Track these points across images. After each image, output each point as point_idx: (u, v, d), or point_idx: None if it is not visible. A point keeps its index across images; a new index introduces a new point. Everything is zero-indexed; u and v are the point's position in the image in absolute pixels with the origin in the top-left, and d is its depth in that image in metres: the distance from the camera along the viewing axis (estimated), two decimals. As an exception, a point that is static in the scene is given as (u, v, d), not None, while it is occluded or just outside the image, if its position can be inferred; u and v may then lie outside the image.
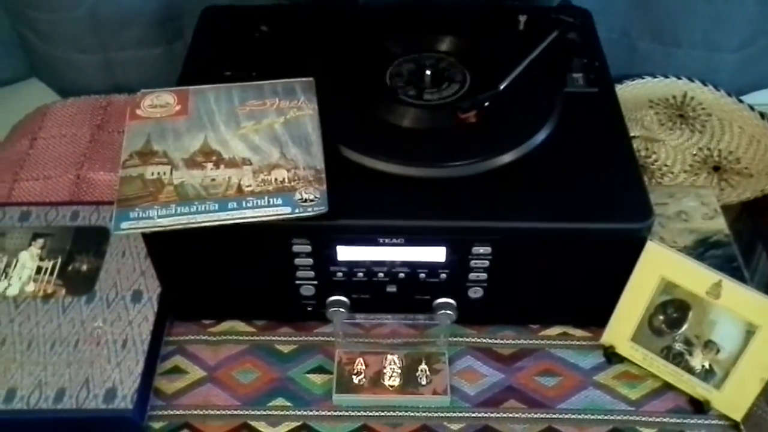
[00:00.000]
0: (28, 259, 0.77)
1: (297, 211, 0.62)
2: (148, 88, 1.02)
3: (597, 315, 0.72)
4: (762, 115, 0.96)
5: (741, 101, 0.98)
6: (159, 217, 0.61)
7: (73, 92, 1.03)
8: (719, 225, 0.79)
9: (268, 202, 0.62)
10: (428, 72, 0.75)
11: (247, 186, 0.63)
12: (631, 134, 0.94)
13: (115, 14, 0.96)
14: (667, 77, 1.00)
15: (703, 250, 0.77)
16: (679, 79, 1.00)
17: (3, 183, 0.89)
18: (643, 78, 1.01)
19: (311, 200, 0.63)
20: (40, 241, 0.78)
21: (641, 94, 1.00)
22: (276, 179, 0.64)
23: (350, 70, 0.77)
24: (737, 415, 0.66)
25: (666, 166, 0.91)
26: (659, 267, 0.66)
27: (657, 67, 1.00)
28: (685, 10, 0.94)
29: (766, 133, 0.94)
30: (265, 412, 0.69)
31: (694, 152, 0.93)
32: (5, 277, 0.75)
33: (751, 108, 0.97)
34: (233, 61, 0.79)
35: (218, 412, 0.69)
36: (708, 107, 0.98)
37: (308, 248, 0.67)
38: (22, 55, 1.06)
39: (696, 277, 0.65)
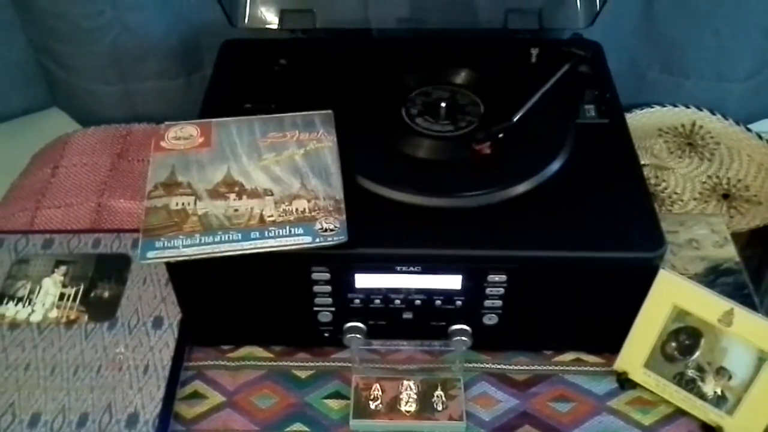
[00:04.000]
0: (51, 285, 0.79)
1: (318, 240, 0.64)
2: (167, 118, 1.05)
3: (610, 341, 0.73)
4: (770, 143, 0.98)
5: (749, 130, 1.00)
6: (184, 246, 0.63)
7: (93, 122, 1.05)
8: (729, 253, 0.81)
9: (290, 231, 0.64)
10: (443, 104, 0.77)
11: (269, 216, 0.65)
12: (641, 162, 0.96)
13: (136, 47, 0.98)
14: (676, 106, 1.02)
15: (714, 277, 0.78)
16: (688, 108, 1.02)
17: (26, 210, 0.91)
18: (653, 107, 1.02)
19: (331, 230, 0.64)
20: (63, 268, 0.80)
21: (651, 123, 1.02)
22: (297, 209, 0.66)
23: (367, 102, 0.79)
24: (750, 442, 0.67)
25: (676, 193, 0.93)
26: (671, 295, 0.67)
27: (666, 96, 1.02)
28: (693, 41, 0.97)
29: (774, 162, 0.96)
30: (283, 437, 0.70)
31: (704, 180, 0.95)
32: (29, 304, 0.77)
33: (759, 137, 0.99)
34: (253, 93, 0.81)
35: (237, 437, 0.70)
36: (716, 136, 1.00)
37: (327, 276, 0.68)
38: (44, 84, 1.09)
39: (708, 305, 0.66)
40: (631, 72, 1.01)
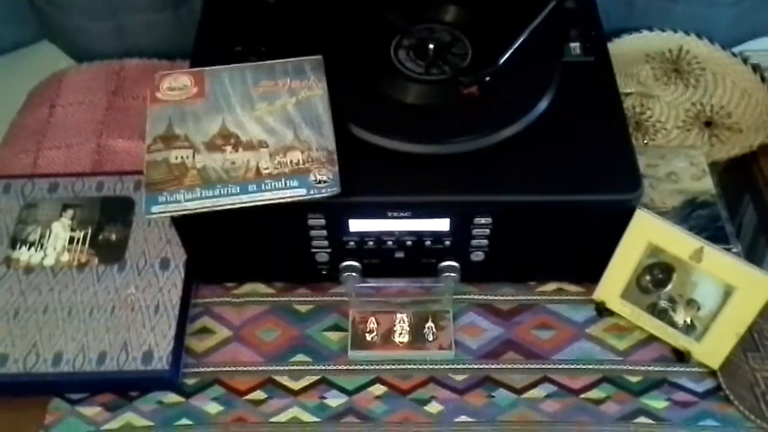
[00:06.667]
0: (60, 229, 0.82)
1: (312, 192, 0.67)
2: (158, 52, 1.05)
3: (590, 272, 0.78)
4: (755, 68, 0.99)
5: (735, 55, 1.01)
6: (185, 200, 0.66)
7: (85, 56, 1.06)
8: (706, 185, 0.84)
9: (285, 184, 0.67)
10: (431, 46, 0.78)
11: (265, 168, 0.68)
12: (627, 91, 0.98)
13: (123, -20, 0.98)
14: (663, 30, 1.03)
15: (690, 210, 0.82)
16: (676, 32, 1.02)
17: (28, 152, 0.94)
18: (641, 32, 1.03)
19: (325, 181, 0.67)
20: (70, 212, 0.83)
21: (638, 48, 1.02)
22: (291, 161, 0.69)
23: (355, 43, 0.80)
24: (715, 364, 0.73)
25: (659, 122, 0.95)
26: (647, 233, 0.72)
27: (654, 21, 1.02)
28: (683, -35, 0.96)
29: (757, 87, 0.97)
30: (287, 368, 0.76)
31: (687, 108, 0.97)
32: (41, 248, 0.81)
33: (744, 61, 1.00)
34: (242, 36, 0.82)
35: (245, 368, 0.76)
36: (703, 61, 1.01)
37: (322, 222, 0.72)
38: (34, 18, 1.08)
39: (680, 243, 0.71)
40: (620, -3, 1.01)
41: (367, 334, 0.77)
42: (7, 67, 1.11)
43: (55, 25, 1.06)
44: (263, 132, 0.71)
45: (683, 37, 1.02)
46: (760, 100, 0.96)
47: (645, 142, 0.93)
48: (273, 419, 0.72)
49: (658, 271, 0.73)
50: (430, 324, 0.77)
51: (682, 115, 0.96)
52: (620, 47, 1.02)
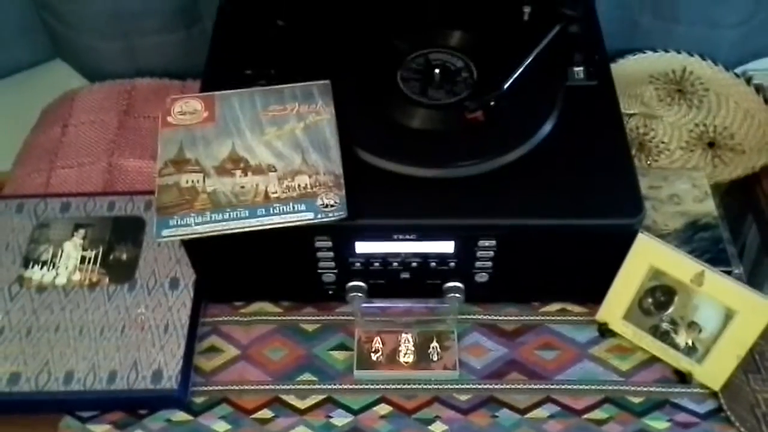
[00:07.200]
0: (72, 249, 0.84)
1: (319, 216, 0.68)
2: (169, 71, 1.07)
3: (593, 292, 0.79)
4: (758, 89, 1.00)
5: (738, 76, 1.02)
6: (196, 224, 0.68)
7: (97, 75, 1.07)
8: (708, 207, 0.85)
9: (293, 208, 0.69)
10: (436, 71, 0.80)
11: (273, 192, 0.70)
12: (631, 112, 0.99)
13: (135, 3, 0.99)
14: (667, 51, 1.04)
15: (692, 233, 0.83)
16: (679, 53, 1.04)
17: (40, 171, 0.96)
18: (645, 53, 1.04)
19: (332, 205, 0.69)
20: (82, 232, 0.85)
21: (642, 69, 1.04)
22: (299, 185, 0.70)
23: (362, 68, 0.82)
24: (716, 386, 0.74)
25: (663, 143, 0.96)
26: (648, 256, 0.73)
27: (658, 43, 1.04)
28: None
29: (760, 108, 0.98)
30: (294, 387, 0.77)
31: (691, 128, 0.98)
32: (53, 267, 0.82)
33: (748, 82, 1.01)
34: (253, 59, 0.84)
35: (252, 387, 0.77)
36: (706, 82, 1.02)
37: (329, 244, 0.74)
38: (47, 37, 1.10)
39: (682, 267, 0.72)
40: (623, 18, 1.02)
41: (372, 354, 0.78)
42: (21, 86, 1.13)
43: (67, 45, 1.08)
44: (272, 156, 0.72)
45: (686, 58, 1.03)
46: (763, 121, 0.97)
47: (648, 162, 0.94)
48: (280, 438, 0.73)
49: (660, 294, 0.74)
50: (434, 344, 0.78)
51: (686, 136, 0.97)
52: (624, 68, 1.03)
